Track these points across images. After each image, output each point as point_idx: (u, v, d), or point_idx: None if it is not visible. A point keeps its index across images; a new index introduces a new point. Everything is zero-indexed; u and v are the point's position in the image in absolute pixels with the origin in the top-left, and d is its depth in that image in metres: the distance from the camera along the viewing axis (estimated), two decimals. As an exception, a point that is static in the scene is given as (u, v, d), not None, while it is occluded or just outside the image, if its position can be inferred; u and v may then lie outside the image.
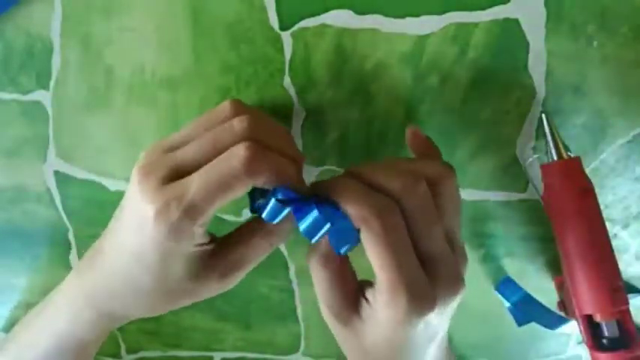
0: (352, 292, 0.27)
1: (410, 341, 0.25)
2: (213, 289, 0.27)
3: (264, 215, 0.25)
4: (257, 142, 0.23)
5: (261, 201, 0.26)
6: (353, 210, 0.23)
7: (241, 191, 0.23)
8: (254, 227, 0.28)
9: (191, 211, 0.23)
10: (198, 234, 0.24)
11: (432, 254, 0.24)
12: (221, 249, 0.27)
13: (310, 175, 0.35)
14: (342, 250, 0.25)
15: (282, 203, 0.24)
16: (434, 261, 0.24)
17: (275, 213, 0.24)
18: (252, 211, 0.27)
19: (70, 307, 0.29)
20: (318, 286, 0.27)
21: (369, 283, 0.27)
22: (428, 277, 0.24)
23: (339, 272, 0.27)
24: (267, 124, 0.26)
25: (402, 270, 0.23)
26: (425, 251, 0.24)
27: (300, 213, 0.24)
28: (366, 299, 0.26)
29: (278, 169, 0.23)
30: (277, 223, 0.25)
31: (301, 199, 0.24)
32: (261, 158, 0.23)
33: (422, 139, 0.29)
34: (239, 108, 0.26)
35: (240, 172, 0.22)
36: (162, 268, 0.25)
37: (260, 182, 0.23)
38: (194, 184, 0.23)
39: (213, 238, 0.27)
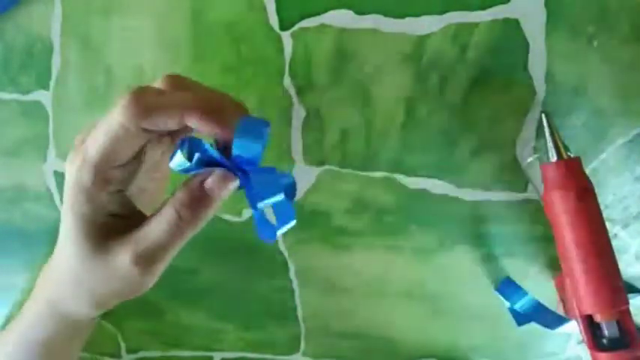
0: None
1: None
2: (129, 272, 0.25)
3: (170, 165, 0.24)
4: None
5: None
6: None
7: (125, 138, 0.23)
8: (166, 201, 0.25)
9: (87, 165, 0.24)
10: (106, 196, 0.25)
11: None
12: (136, 226, 0.25)
13: (310, 175, 0.35)
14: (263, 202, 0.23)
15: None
16: None
17: (182, 164, 0.23)
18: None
19: (34, 304, 0.30)
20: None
21: None
22: None
23: None
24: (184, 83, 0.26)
25: None
26: None
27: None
28: None
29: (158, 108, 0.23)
30: (194, 195, 0.24)
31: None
32: (138, 99, 0.23)
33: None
34: (174, 82, 0.26)
35: (119, 116, 0.23)
36: (82, 238, 0.25)
37: (146, 124, 0.23)
38: (89, 139, 0.24)
39: (133, 213, 0.26)
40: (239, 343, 0.42)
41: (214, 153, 0.23)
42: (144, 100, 0.23)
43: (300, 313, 0.40)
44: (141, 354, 0.43)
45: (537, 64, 0.30)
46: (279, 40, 0.31)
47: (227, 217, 0.37)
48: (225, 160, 0.24)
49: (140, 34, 0.32)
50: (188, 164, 0.23)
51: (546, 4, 0.29)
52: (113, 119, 0.23)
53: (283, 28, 0.31)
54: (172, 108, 0.23)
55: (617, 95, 0.31)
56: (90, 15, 0.32)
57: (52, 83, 0.34)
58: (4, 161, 0.37)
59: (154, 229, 0.24)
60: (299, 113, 0.33)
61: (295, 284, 0.39)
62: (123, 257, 0.24)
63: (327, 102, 0.32)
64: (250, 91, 0.33)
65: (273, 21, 0.31)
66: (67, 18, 0.32)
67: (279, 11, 0.31)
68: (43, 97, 0.35)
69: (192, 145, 0.23)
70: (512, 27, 0.29)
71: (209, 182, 0.24)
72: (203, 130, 0.23)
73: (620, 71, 0.30)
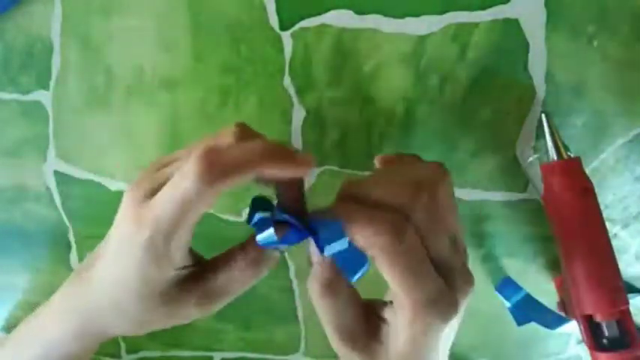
0: (365, 315, 0.25)
1: (436, 345, 0.24)
2: (191, 313, 0.26)
3: (258, 238, 0.23)
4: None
5: (258, 215, 0.24)
6: (365, 235, 0.22)
7: (202, 203, 0.21)
8: (237, 257, 0.26)
9: (160, 238, 0.22)
10: (177, 256, 0.24)
11: (443, 259, 0.24)
12: (202, 274, 0.26)
13: (310, 175, 0.35)
14: (357, 277, 0.23)
15: (280, 227, 0.23)
16: (445, 264, 0.24)
17: (269, 240, 0.23)
18: (249, 223, 0.25)
19: (61, 319, 0.29)
20: (326, 316, 0.25)
21: (381, 303, 0.25)
22: (444, 281, 0.23)
23: (349, 298, 0.25)
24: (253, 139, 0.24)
25: (425, 286, 0.22)
26: (436, 257, 0.23)
27: (299, 236, 0.23)
28: (383, 319, 0.25)
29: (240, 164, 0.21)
30: (263, 253, 0.25)
31: (300, 224, 0.23)
32: (215, 160, 0.21)
33: (393, 160, 0.28)
34: (242, 131, 0.24)
35: (193, 182, 0.21)
36: (145, 291, 0.24)
37: (220, 186, 0.21)
38: (158, 204, 0.22)
39: (197, 261, 0.26)
40: (239, 343, 0.42)
41: (289, 219, 0.23)
42: (219, 162, 0.21)
43: (300, 313, 0.40)
44: (141, 354, 0.43)
45: (537, 64, 0.30)
46: (279, 40, 0.31)
47: (227, 216, 0.37)
48: (298, 223, 0.23)
49: (140, 34, 0.32)
50: (276, 238, 0.23)
51: (546, 4, 0.29)
52: (186, 187, 0.21)
53: (283, 28, 0.31)
54: (249, 164, 0.21)
55: (617, 95, 0.31)
56: (90, 15, 0.32)
57: (52, 83, 0.34)
58: (4, 161, 0.37)
59: (222, 281, 0.25)
60: (299, 113, 0.33)
61: (295, 284, 0.39)
62: (187, 305, 0.25)
63: (327, 102, 0.32)
64: (250, 91, 0.33)
65: (273, 21, 0.31)
66: (67, 18, 0.32)
67: (279, 11, 0.31)
68: (43, 97, 0.35)
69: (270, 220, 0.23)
70: (512, 27, 0.29)
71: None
72: (279, 176, 0.23)
73: (620, 71, 0.30)
